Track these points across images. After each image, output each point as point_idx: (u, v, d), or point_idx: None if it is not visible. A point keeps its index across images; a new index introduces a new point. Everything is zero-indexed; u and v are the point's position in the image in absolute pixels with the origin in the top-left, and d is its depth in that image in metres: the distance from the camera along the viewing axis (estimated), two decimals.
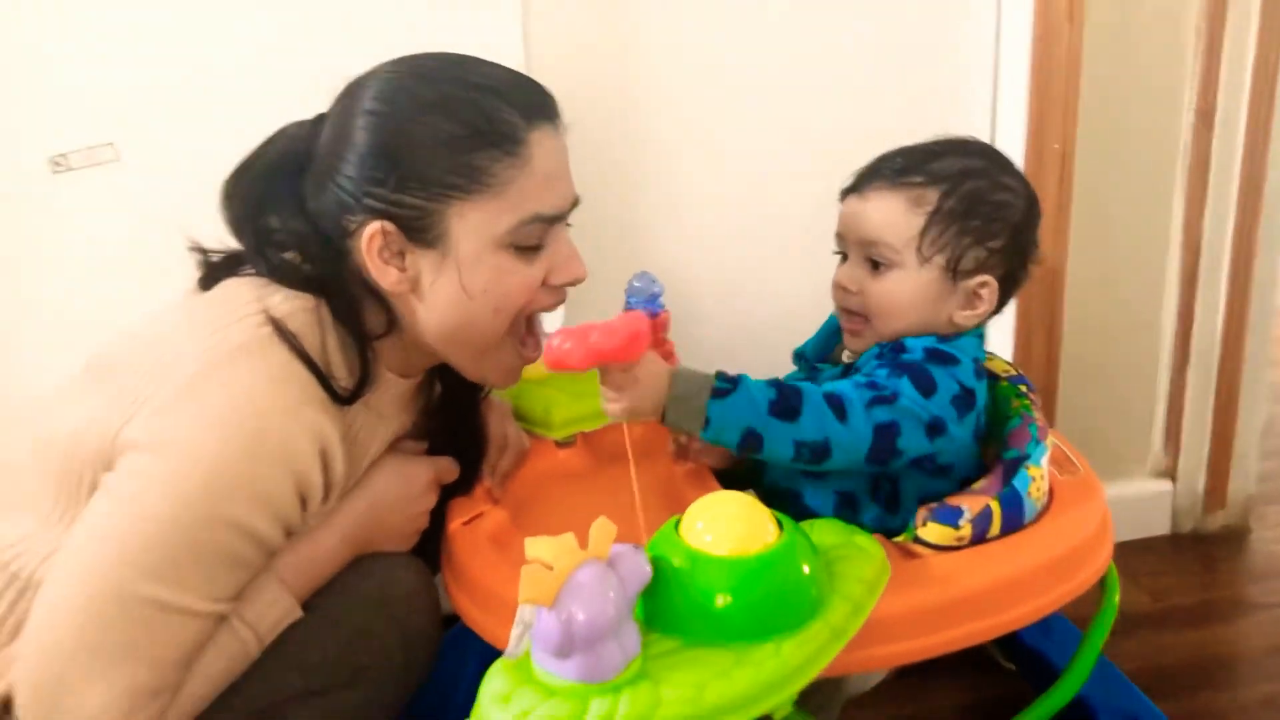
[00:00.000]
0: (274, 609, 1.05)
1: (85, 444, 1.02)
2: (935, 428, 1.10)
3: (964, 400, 1.13)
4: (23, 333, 1.44)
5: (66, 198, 1.41)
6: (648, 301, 1.44)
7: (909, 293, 1.17)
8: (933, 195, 1.15)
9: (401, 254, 1.08)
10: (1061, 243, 1.68)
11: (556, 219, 1.12)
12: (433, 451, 1.24)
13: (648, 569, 0.91)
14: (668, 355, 1.42)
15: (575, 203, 1.15)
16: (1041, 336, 1.74)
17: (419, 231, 1.07)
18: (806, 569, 0.95)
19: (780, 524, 0.97)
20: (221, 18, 1.41)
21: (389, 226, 1.06)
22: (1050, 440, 1.22)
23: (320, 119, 1.12)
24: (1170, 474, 1.93)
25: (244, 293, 1.08)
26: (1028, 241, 1.20)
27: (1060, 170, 1.64)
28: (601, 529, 0.89)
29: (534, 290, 1.12)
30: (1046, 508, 1.18)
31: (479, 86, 1.07)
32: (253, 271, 1.10)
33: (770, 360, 1.30)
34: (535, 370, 1.40)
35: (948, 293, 1.17)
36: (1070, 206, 1.67)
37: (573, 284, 1.16)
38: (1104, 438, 1.83)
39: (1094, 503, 1.20)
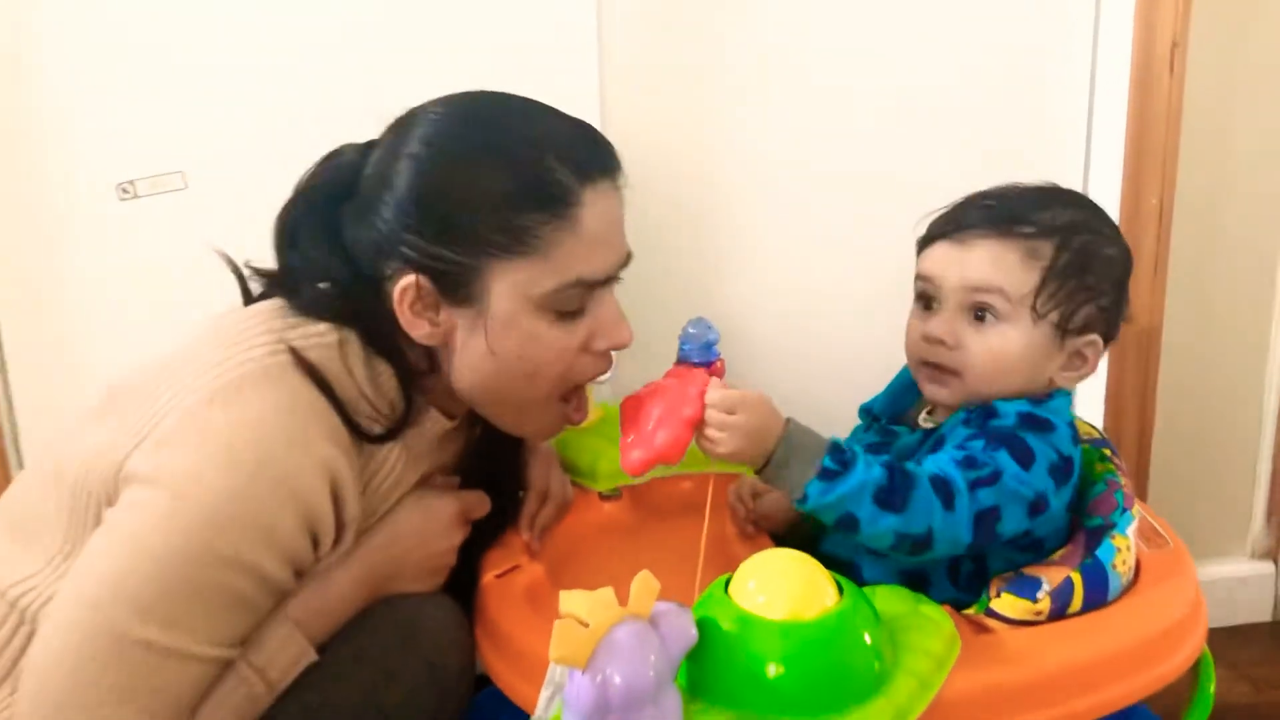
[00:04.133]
0: (285, 653, 0.99)
1: (92, 475, 0.98)
2: (1037, 506, 1.04)
3: (1062, 470, 1.06)
4: (88, 353, 1.43)
5: (132, 224, 1.41)
6: (703, 349, 1.37)
7: (1017, 351, 1.09)
8: (1046, 249, 1.09)
9: (436, 307, 1.04)
10: (1158, 304, 1.61)
11: (602, 283, 1.07)
12: (465, 487, 1.19)
13: (693, 631, 0.85)
14: None
15: (626, 261, 1.10)
16: (1135, 403, 1.66)
17: (454, 287, 1.02)
18: (869, 638, 0.89)
19: (840, 587, 0.91)
20: (293, 49, 1.41)
21: (423, 281, 1.02)
22: (1137, 510, 1.14)
23: (370, 146, 1.08)
24: (1272, 555, 1.84)
25: (262, 320, 1.04)
26: (1126, 298, 1.15)
27: (1158, 227, 1.58)
28: (643, 584, 0.84)
29: (572, 356, 1.07)
30: (1133, 583, 1.10)
31: (532, 140, 1.02)
32: (282, 299, 1.06)
33: (829, 413, 1.20)
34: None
35: (1054, 352, 1.11)
36: (1167, 266, 1.61)
37: (616, 348, 1.10)
38: (1200, 514, 1.76)
39: (1185, 579, 1.11)
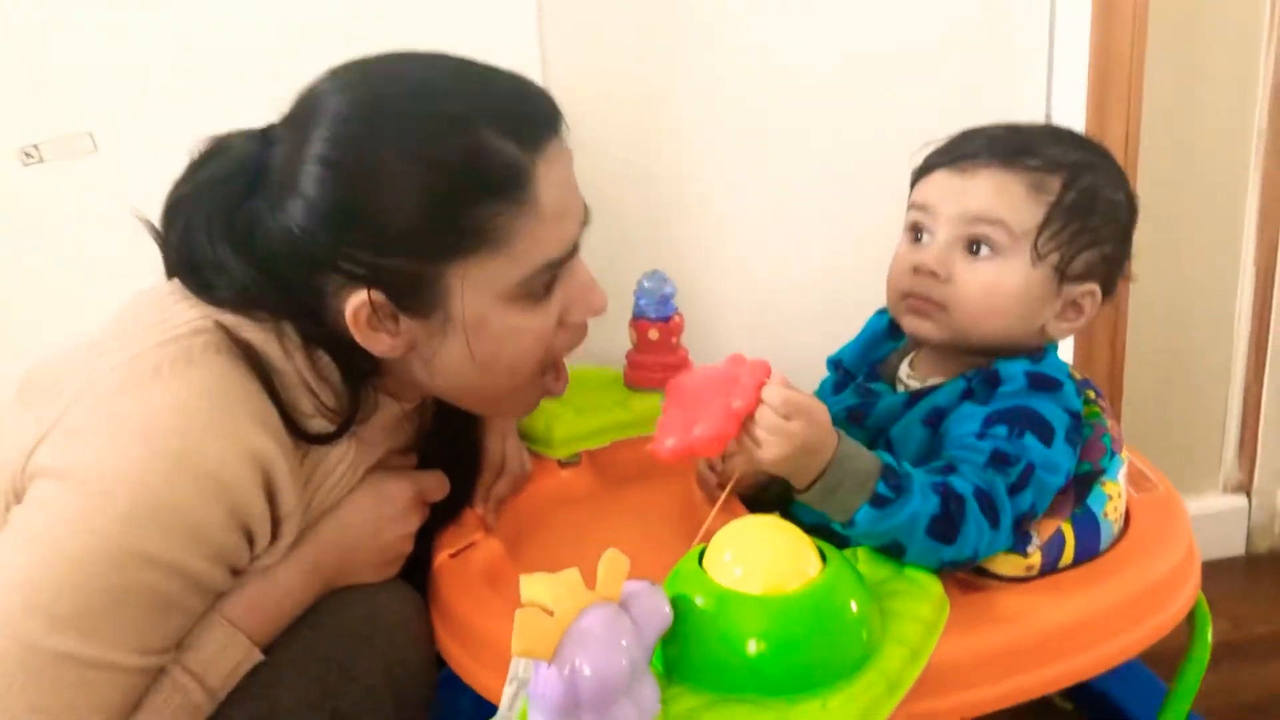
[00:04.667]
0: (226, 657, 0.91)
1: (3, 472, 0.89)
2: (1064, 486, 0.99)
3: (1076, 431, 1.00)
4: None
5: (39, 191, 1.31)
6: (660, 303, 1.34)
7: (1013, 290, 1.01)
8: (1054, 183, 1.01)
9: (394, 318, 0.94)
10: None
11: (569, 257, 0.98)
12: (422, 466, 1.11)
13: (667, 611, 0.78)
14: (681, 363, 1.33)
15: (587, 220, 1.01)
16: (1105, 338, 1.62)
17: (411, 297, 0.93)
18: (856, 607, 0.82)
19: (823, 554, 0.84)
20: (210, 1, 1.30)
21: (377, 295, 0.92)
22: (1126, 454, 1.09)
23: (268, 139, 0.97)
24: (1245, 489, 1.82)
25: (188, 295, 0.95)
26: (1129, 251, 1.08)
27: (1123, 161, 1.52)
28: (611, 563, 0.77)
29: (550, 336, 0.99)
30: (1124, 531, 1.06)
31: (461, 118, 0.91)
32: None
33: (791, 368, 1.11)
34: None
35: (1050, 298, 1.03)
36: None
37: (594, 315, 1.03)
38: (1172, 449, 1.72)
39: (1178, 525, 1.07)
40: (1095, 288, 1.04)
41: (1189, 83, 1.58)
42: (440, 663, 1.02)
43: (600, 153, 1.37)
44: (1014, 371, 1.00)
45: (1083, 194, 1.01)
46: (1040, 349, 1.04)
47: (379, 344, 0.94)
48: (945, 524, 0.90)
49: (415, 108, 0.91)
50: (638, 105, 1.46)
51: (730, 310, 1.55)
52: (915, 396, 1.05)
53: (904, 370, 1.10)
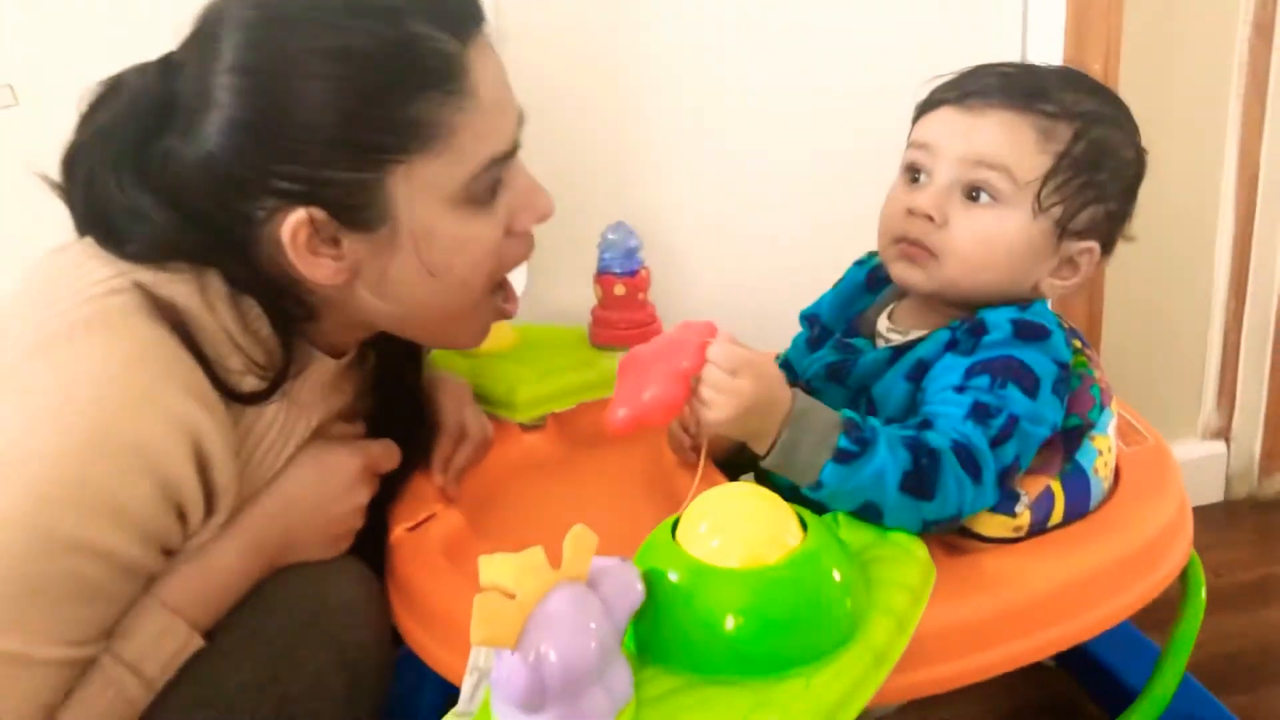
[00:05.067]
0: (164, 645, 0.86)
1: None
2: (1050, 438, 0.94)
3: (1063, 382, 0.95)
4: None
5: None
6: (625, 257, 1.28)
7: (1009, 242, 0.96)
8: (1064, 132, 0.96)
9: (335, 240, 0.88)
10: None
11: (512, 153, 0.93)
12: (371, 434, 1.05)
13: (639, 588, 0.73)
14: (649, 319, 1.28)
15: (522, 121, 0.96)
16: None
17: (354, 211, 0.87)
18: (839, 577, 0.77)
19: (803, 522, 0.79)
20: None
21: (317, 213, 0.86)
22: (1115, 406, 1.05)
23: (169, 66, 0.90)
24: (1224, 435, 1.81)
25: (103, 254, 0.88)
26: (1132, 210, 1.02)
27: None
28: (578, 540, 0.72)
29: (500, 246, 0.94)
30: (1114, 487, 1.02)
31: (385, 10, 0.85)
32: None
33: (764, 324, 1.12)
34: (493, 342, 1.23)
35: (1047, 253, 0.98)
36: None
37: (541, 221, 0.98)
38: (1150, 395, 1.67)
39: (1170, 479, 1.03)
40: (1095, 245, 0.99)
41: (1169, 8, 1.54)
42: (398, 641, 0.97)
43: (560, 98, 1.36)
44: (999, 320, 0.94)
45: (1093, 146, 0.96)
46: (1027, 302, 0.99)
47: (321, 270, 0.88)
48: (918, 479, 0.85)
49: (335, 1, 0.85)
50: (600, 46, 1.41)
51: (700, 263, 1.50)
52: (898, 351, 0.99)
53: (883, 324, 1.04)
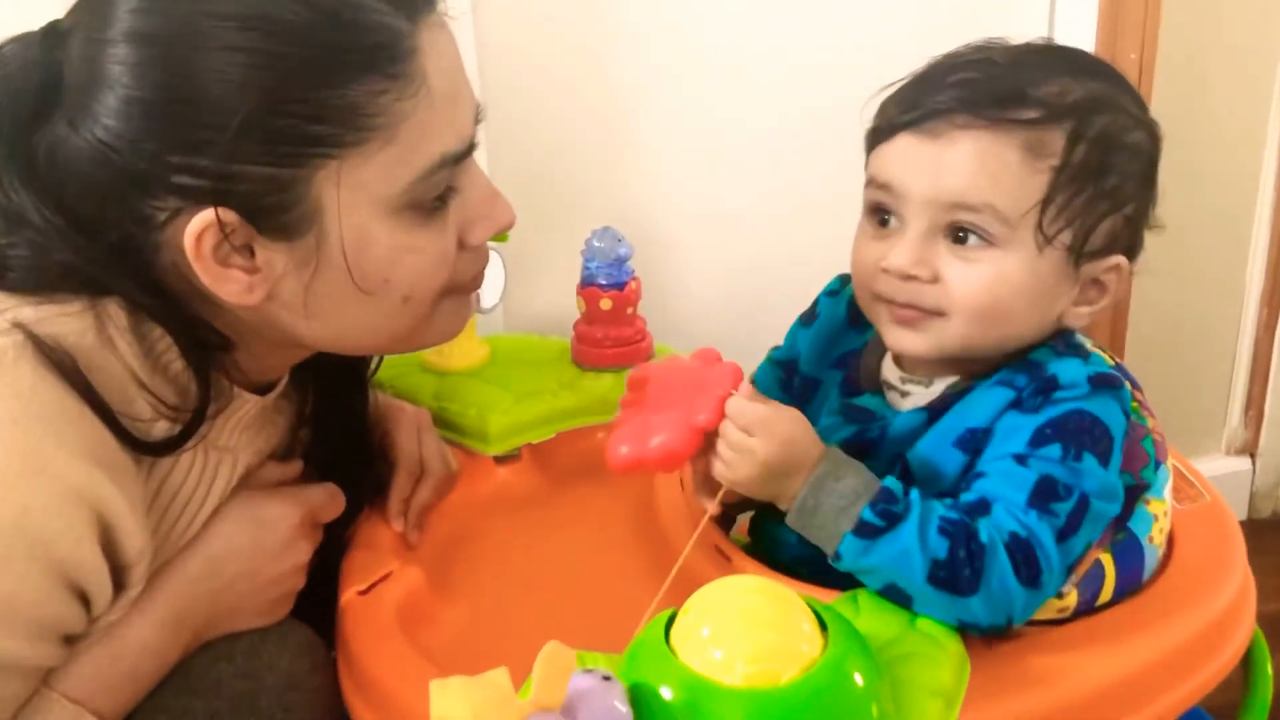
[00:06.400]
0: None
1: None
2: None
3: (1129, 435, 0.84)
4: None
5: None
6: (613, 266, 1.18)
7: (1019, 285, 0.81)
8: (1056, 140, 0.80)
9: (249, 249, 0.75)
10: None
11: (465, 154, 0.82)
12: (306, 465, 0.94)
13: (625, 714, 0.61)
14: (638, 337, 1.19)
15: (480, 113, 0.84)
16: None
17: (273, 214, 0.75)
18: (861, 683, 0.65)
19: (822, 623, 0.67)
20: None
21: (227, 215, 0.73)
22: (1171, 462, 0.93)
23: (54, 36, 0.77)
24: (1249, 450, 1.77)
25: None
26: (1154, 196, 0.87)
27: (1136, 87, 1.36)
28: (551, 661, 0.60)
29: (451, 260, 0.83)
30: (1167, 555, 0.90)
31: None
32: None
33: (759, 338, 1.04)
34: (461, 359, 1.18)
35: (1067, 285, 0.84)
36: None
37: (500, 232, 0.87)
38: (1173, 407, 1.57)
39: (1232, 547, 0.92)
40: (1120, 260, 0.85)
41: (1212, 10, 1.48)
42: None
43: (540, 87, 1.29)
44: (1073, 374, 0.82)
45: (1095, 146, 0.81)
46: (1058, 337, 0.86)
47: (231, 285, 0.76)
48: (952, 572, 0.75)
49: None
50: (585, 30, 1.32)
51: (695, 271, 1.43)
52: (935, 411, 0.85)
53: (892, 372, 0.90)
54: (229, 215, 0.73)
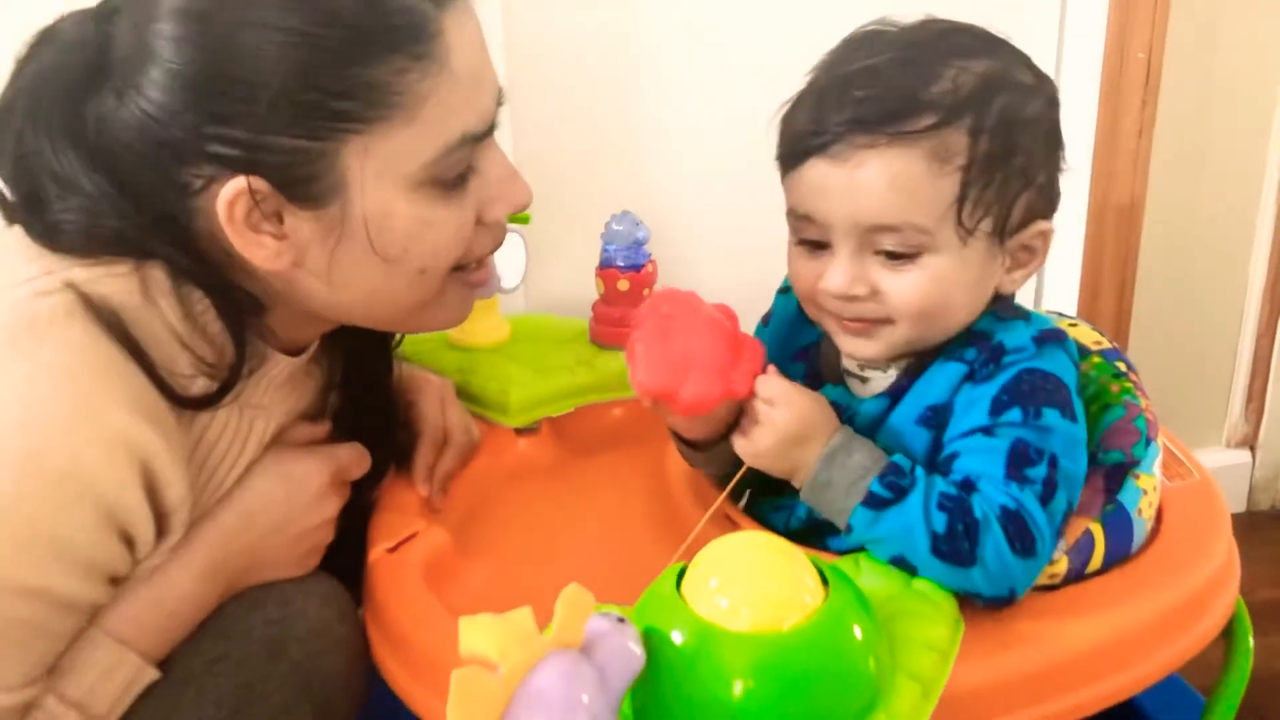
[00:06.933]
0: (113, 678, 0.79)
1: None
2: (1089, 473, 0.87)
3: (1080, 385, 0.89)
4: None
5: None
6: (631, 249, 1.21)
7: (955, 281, 0.83)
8: (959, 140, 0.80)
9: (278, 216, 0.80)
10: (1142, 173, 1.48)
11: (486, 133, 0.85)
12: (333, 431, 0.98)
13: (638, 654, 0.66)
14: None
15: (502, 96, 0.87)
16: (1113, 285, 1.56)
17: (301, 184, 0.79)
18: (859, 633, 0.70)
19: (824, 577, 0.71)
20: None
21: (257, 183, 0.77)
22: (1161, 439, 0.96)
23: (107, 12, 0.81)
24: (1249, 444, 1.78)
25: (31, 249, 0.79)
26: (1061, 151, 0.88)
27: (1144, 85, 1.43)
28: (572, 602, 0.65)
29: (469, 234, 0.87)
30: (1155, 528, 0.94)
31: None
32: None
33: None
34: (484, 336, 1.21)
35: (997, 260, 0.86)
36: (1154, 129, 1.47)
37: (516, 211, 0.90)
38: (1174, 399, 1.61)
39: (1217, 521, 0.95)
40: (1042, 226, 0.86)
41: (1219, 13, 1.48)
42: (373, 670, 0.90)
43: (562, 74, 1.31)
44: (1018, 339, 0.85)
45: (998, 133, 0.81)
46: (998, 303, 0.89)
47: (260, 251, 0.80)
48: (952, 545, 0.79)
49: None
50: (605, 16, 1.33)
51: (711, 256, 1.43)
52: (895, 395, 0.88)
53: (850, 361, 0.92)
54: (260, 183, 0.77)
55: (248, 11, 0.75)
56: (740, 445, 0.84)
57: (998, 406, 0.83)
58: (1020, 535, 0.79)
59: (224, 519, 0.86)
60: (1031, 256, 0.87)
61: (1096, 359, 0.99)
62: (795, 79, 1.37)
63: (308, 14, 0.75)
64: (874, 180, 0.80)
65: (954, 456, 0.83)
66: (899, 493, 0.79)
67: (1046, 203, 0.87)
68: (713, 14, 1.38)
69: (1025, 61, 0.86)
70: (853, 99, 0.81)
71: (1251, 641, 0.96)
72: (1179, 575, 0.88)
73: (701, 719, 0.67)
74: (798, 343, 0.96)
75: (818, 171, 0.82)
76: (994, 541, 0.78)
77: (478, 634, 0.61)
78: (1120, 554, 0.89)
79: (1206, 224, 1.59)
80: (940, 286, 0.83)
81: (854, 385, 0.91)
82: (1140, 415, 0.94)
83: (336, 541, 0.95)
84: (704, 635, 0.67)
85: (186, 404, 0.80)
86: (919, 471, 0.81)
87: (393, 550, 0.93)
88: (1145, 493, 0.91)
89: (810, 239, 0.85)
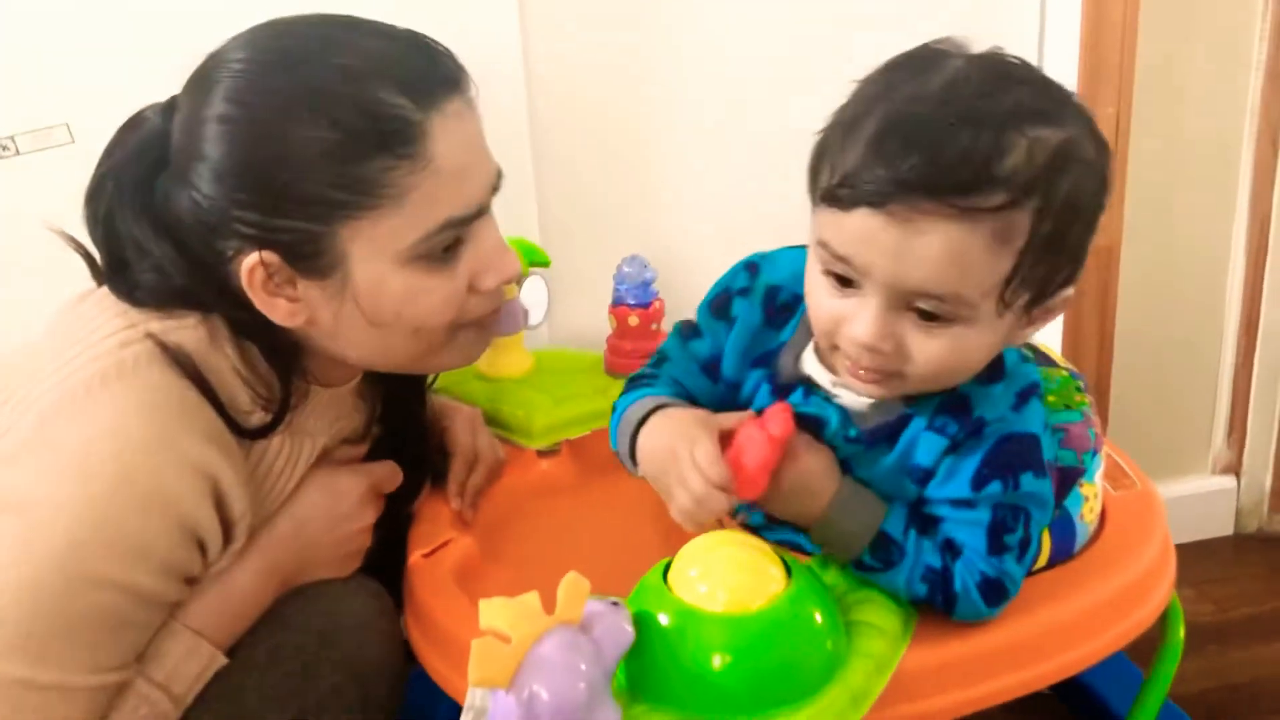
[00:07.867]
0: (190, 664, 0.92)
1: None
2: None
3: (1070, 430, 1.00)
4: None
5: (14, 183, 1.27)
6: (640, 288, 1.32)
7: (979, 345, 0.83)
8: (1023, 222, 0.77)
9: (291, 282, 0.93)
10: (1116, 217, 1.54)
11: (473, 217, 0.96)
12: (375, 455, 1.10)
13: (629, 631, 0.78)
14: None
15: (497, 182, 0.98)
16: (1094, 319, 1.61)
17: (306, 259, 0.91)
18: (820, 622, 0.81)
19: (789, 568, 0.83)
20: None
21: (270, 256, 0.90)
22: (1105, 451, 1.07)
23: (171, 107, 0.95)
24: (1234, 470, 1.80)
25: (115, 306, 0.93)
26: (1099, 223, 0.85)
27: (1114, 137, 1.50)
28: (572, 586, 0.76)
29: (460, 300, 0.97)
30: (1098, 531, 1.04)
31: (352, 72, 0.89)
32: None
33: None
34: (511, 368, 1.29)
35: (1020, 324, 0.85)
36: (1126, 176, 1.54)
37: (505, 283, 1.01)
38: (1160, 430, 1.72)
39: (1155, 524, 1.05)
40: (1069, 292, 0.85)
41: (1182, 54, 1.54)
42: (411, 659, 1.02)
43: (580, 136, 1.38)
44: (999, 410, 0.88)
45: (1061, 217, 0.78)
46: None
47: (278, 310, 0.93)
48: (932, 605, 0.89)
49: (311, 61, 0.90)
50: (618, 89, 1.42)
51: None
52: (873, 435, 0.90)
53: (822, 376, 0.90)
54: (271, 256, 0.90)
55: (270, 123, 0.88)
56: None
57: (979, 481, 0.87)
58: (997, 594, 0.88)
59: (279, 527, 0.99)
60: (1049, 317, 0.86)
61: (1064, 373, 1.08)
62: (805, 140, 1.43)
63: (315, 124, 0.87)
64: (930, 250, 0.76)
65: (939, 520, 0.89)
66: (887, 565, 0.87)
67: (1076, 271, 0.84)
68: (724, 67, 1.44)
69: (1090, 127, 0.82)
70: (918, 157, 0.75)
71: (1182, 632, 1.06)
72: (1118, 568, 0.98)
73: (685, 687, 0.78)
74: (758, 349, 0.95)
75: (869, 224, 0.77)
76: (970, 605, 0.88)
77: (494, 612, 0.73)
78: (1063, 553, 0.99)
79: (1183, 261, 1.64)
80: (964, 353, 0.83)
81: (822, 393, 0.91)
82: (1092, 427, 1.04)
83: (380, 549, 1.07)
84: (685, 616, 0.79)
85: (247, 434, 0.93)
86: (909, 543, 0.87)
87: (428, 555, 1.05)
88: (1087, 499, 1.00)
89: (841, 277, 0.82)
